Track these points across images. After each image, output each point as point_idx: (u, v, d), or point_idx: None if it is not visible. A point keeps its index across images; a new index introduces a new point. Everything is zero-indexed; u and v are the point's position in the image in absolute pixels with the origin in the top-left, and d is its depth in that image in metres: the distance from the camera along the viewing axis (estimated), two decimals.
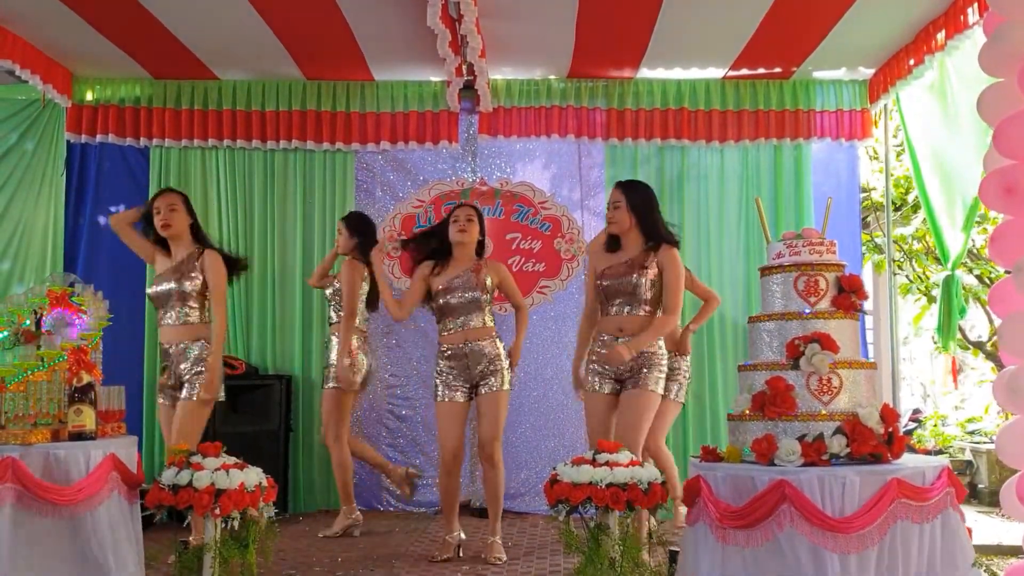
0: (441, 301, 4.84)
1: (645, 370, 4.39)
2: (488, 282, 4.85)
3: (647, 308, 4.43)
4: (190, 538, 3.78)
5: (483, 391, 4.80)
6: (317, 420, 6.52)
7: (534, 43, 5.98)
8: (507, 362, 4.87)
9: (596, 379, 4.51)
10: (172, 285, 4.62)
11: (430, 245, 4.95)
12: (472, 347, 4.79)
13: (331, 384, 5.56)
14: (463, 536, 4.92)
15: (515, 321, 5.09)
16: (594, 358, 4.53)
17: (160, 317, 4.72)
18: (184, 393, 4.58)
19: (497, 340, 4.88)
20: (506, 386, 4.84)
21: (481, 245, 4.98)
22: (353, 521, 5.60)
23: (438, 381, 4.84)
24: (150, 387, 6.42)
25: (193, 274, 4.65)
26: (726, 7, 5.37)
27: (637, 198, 4.48)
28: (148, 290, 4.76)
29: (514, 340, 5.01)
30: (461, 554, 4.85)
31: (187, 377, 4.58)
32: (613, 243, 4.56)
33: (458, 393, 4.80)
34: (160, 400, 4.74)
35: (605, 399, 4.49)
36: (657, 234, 4.48)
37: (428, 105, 6.63)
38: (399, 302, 5.00)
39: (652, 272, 4.42)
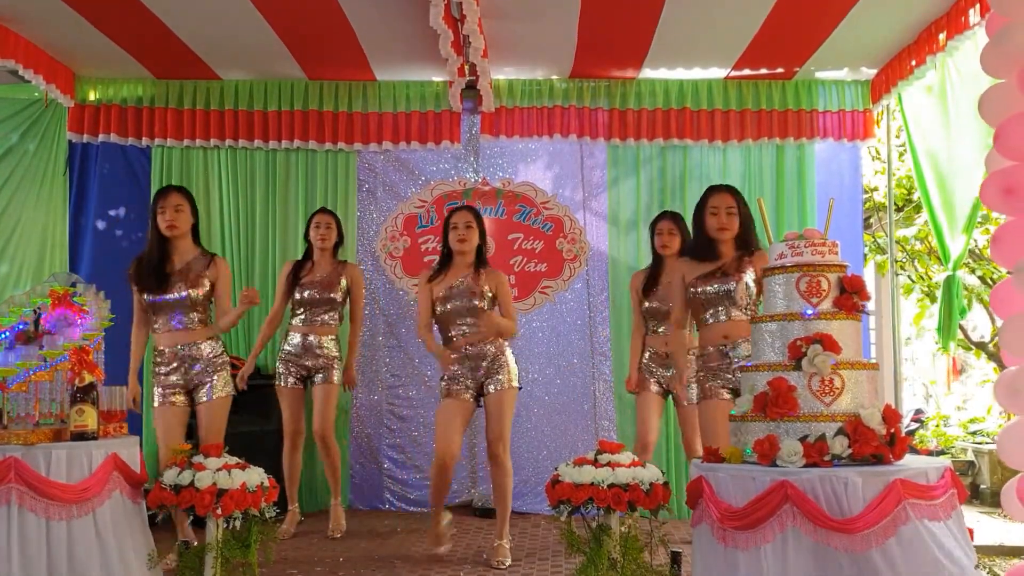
0: (439, 309, 4.86)
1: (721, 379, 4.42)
2: (486, 289, 4.85)
3: (746, 313, 4.41)
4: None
5: (490, 390, 4.81)
6: None
7: (536, 43, 5.98)
8: (512, 359, 4.87)
9: (712, 387, 4.44)
10: (184, 293, 4.68)
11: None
12: (477, 349, 4.81)
13: (336, 380, 5.60)
14: (450, 516, 5.00)
15: None
16: (702, 373, 4.47)
17: (156, 321, 4.74)
18: (204, 395, 4.70)
19: (500, 339, 4.88)
20: (514, 383, 4.85)
21: (481, 250, 4.96)
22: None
23: (446, 380, 4.85)
24: (147, 386, 6.38)
25: (204, 281, 4.74)
26: (728, 7, 5.37)
27: (745, 206, 4.47)
28: (148, 297, 4.71)
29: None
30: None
31: (202, 378, 4.70)
32: (708, 251, 4.44)
33: (465, 393, 4.81)
34: (164, 401, 4.71)
35: (727, 404, 4.45)
36: (753, 241, 4.46)
37: (430, 105, 6.63)
38: (424, 325, 4.95)
39: (748, 277, 4.38)
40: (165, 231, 4.72)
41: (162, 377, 4.72)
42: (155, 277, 4.70)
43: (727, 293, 4.35)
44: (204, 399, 4.70)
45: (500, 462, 4.80)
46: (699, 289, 4.40)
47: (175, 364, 4.70)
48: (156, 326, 4.76)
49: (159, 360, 4.75)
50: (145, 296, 4.73)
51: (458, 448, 4.84)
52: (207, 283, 4.76)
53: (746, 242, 4.44)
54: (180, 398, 4.72)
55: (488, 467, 4.98)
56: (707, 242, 4.44)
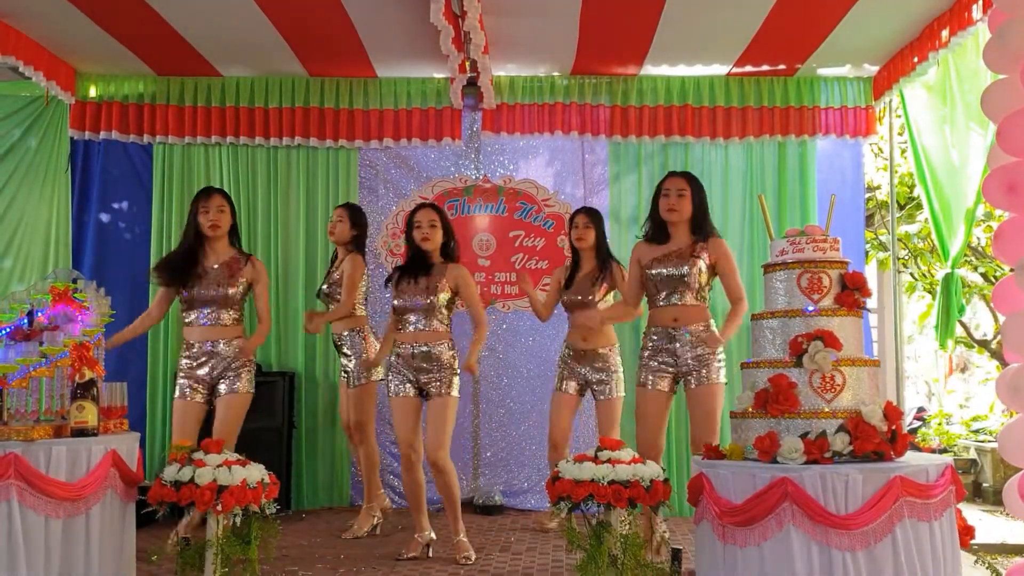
0: (396, 303, 4.79)
1: (710, 363, 4.44)
2: (440, 287, 4.72)
3: (698, 299, 4.49)
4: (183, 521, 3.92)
5: (431, 396, 4.72)
6: (321, 417, 6.54)
7: (538, 40, 5.97)
8: (458, 368, 4.75)
9: (652, 376, 4.51)
10: (219, 290, 4.74)
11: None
12: (420, 349, 4.71)
13: (364, 379, 5.45)
14: (433, 536, 4.84)
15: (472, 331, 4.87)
16: (647, 353, 4.55)
17: (189, 316, 4.79)
18: (225, 388, 4.74)
19: (448, 345, 4.75)
20: (454, 392, 4.72)
21: (446, 247, 4.85)
22: (378, 519, 5.56)
23: (391, 375, 4.79)
24: (152, 383, 6.43)
25: (241, 280, 4.82)
26: (730, 4, 5.36)
27: (699, 193, 4.56)
28: (184, 292, 4.77)
29: (469, 350, 4.75)
30: (431, 554, 4.78)
31: (226, 374, 4.74)
32: (660, 233, 4.56)
33: (408, 388, 4.73)
34: (184, 395, 4.75)
35: (664, 396, 4.53)
36: (707, 228, 4.55)
37: (431, 102, 6.63)
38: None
39: (702, 263, 4.47)
40: (208, 231, 4.81)
41: (188, 371, 4.77)
42: (188, 273, 4.77)
43: (680, 277, 4.44)
44: (224, 392, 4.75)
45: (442, 468, 4.66)
46: (654, 271, 4.50)
47: (203, 358, 4.76)
48: (188, 320, 4.81)
49: (188, 354, 4.79)
50: (182, 291, 4.79)
51: (420, 442, 4.79)
52: (244, 282, 4.84)
53: (700, 228, 4.52)
54: (200, 395, 4.77)
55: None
56: (659, 224, 4.57)
